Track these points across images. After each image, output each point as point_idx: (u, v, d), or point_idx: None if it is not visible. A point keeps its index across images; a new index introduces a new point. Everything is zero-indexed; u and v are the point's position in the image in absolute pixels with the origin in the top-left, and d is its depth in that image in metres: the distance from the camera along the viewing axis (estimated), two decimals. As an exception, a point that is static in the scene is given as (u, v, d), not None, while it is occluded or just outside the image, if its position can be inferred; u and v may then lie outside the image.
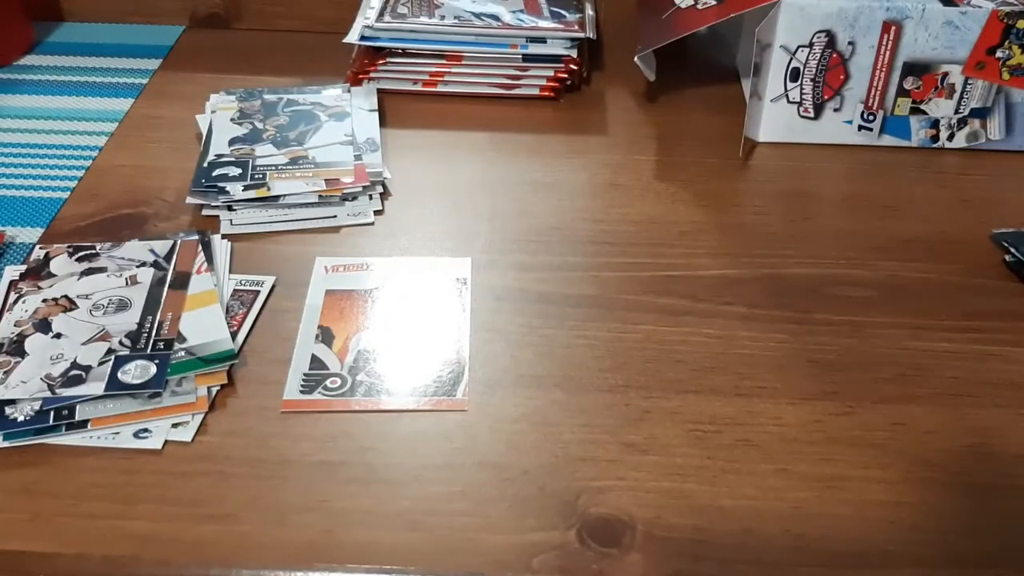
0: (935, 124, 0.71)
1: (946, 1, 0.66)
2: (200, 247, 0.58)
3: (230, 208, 0.62)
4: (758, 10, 0.67)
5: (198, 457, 0.46)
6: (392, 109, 0.74)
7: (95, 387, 0.47)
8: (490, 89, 0.77)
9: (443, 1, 0.79)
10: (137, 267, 0.56)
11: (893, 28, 0.67)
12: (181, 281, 0.55)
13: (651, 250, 0.60)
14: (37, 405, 0.47)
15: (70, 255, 0.57)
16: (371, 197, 0.64)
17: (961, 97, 0.69)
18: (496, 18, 0.77)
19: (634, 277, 0.58)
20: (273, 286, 0.56)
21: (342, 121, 0.70)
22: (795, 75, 0.69)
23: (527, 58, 0.76)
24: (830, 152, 0.71)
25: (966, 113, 0.70)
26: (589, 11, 0.80)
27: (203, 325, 0.51)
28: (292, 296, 0.56)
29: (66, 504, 0.44)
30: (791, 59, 0.69)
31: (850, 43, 0.68)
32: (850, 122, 0.71)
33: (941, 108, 0.70)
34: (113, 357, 0.49)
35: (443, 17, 0.77)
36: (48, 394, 0.47)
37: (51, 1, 0.88)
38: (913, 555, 0.42)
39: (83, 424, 0.46)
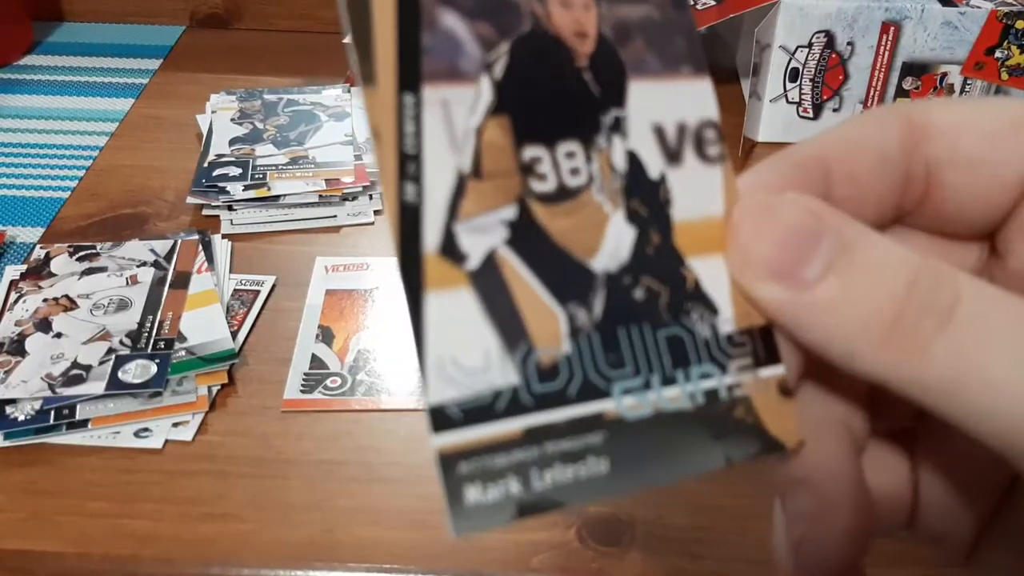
0: (934, 124, 0.71)
1: (945, 1, 0.66)
2: (200, 247, 0.58)
3: (230, 208, 0.62)
4: (757, 10, 0.67)
5: (198, 456, 0.46)
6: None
7: (96, 386, 0.47)
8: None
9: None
10: (137, 267, 0.56)
11: (892, 28, 0.67)
12: (181, 281, 0.55)
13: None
14: (38, 404, 0.47)
15: (70, 255, 0.57)
16: (371, 197, 0.64)
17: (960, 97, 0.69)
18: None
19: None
20: (273, 286, 0.56)
21: (342, 121, 0.70)
22: (794, 75, 0.69)
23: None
24: (829, 152, 0.71)
25: (965, 113, 0.70)
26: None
27: (203, 325, 0.52)
28: (292, 296, 0.56)
29: (67, 503, 0.44)
30: (790, 59, 0.69)
31: (849, 43, 0.68)
32: (849, 122, 0.71)
33: (940, 108, 0.70)
34: (114, 356, 0.49)
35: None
36: (49, 393, 0.47)
37: (51, 1, 0.88)
38: (913, 554, 0.42)
39: (84, 423, 0.47)
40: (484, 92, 0.18)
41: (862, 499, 0.20)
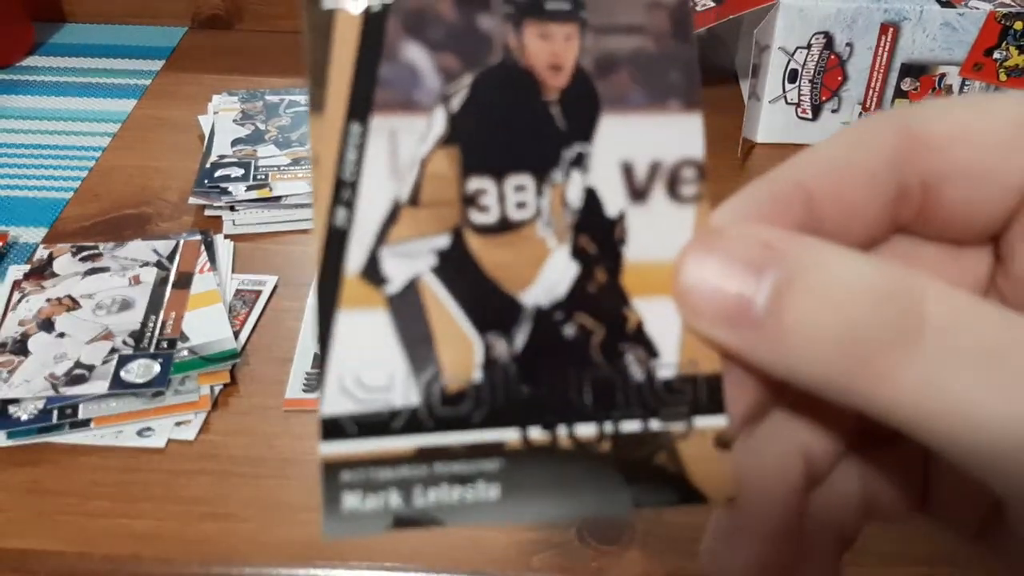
0: (933, 125, 0.71)
1: (944, 3, 0.67)
2: (203, 247, 0.58)
3: (232, 208, 0.62)
4: (757, 12, 0.67)
5: (201, 456, 0.46)
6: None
7: (98, 386, 0.47)
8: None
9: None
10: (140, 267, 0.56)
11: (891, 29, 0.67)
12: (184, 281, 0.55)
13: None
14: (40, 404, 0.47)
15: (73, 255, 0.58)
16: (372, 198, 0.64)
17: (959, 98, 0.70)
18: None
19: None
20: (275, 286, 0.57)
21: (343, 122, 0.70)
22: (793, 76, 0.70)
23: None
24: (829, 153, 0.71)
25: (964, 114, 0.70)
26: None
27: (206, 324, 0.52)
28: (294, 296, 0.56)
29: (69, 502, 0.44)
30: (789, 60, 0.69)
31: (848, 44, 0.68)
32: (848, 123, 0.71)
33: (939, 109, 0.70)
34: (116, 356, 0.49)
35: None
36: (51, 393, 0.47)
37: (53, 2, 0.89)
38: (909, 553, 0.42)
39: (86, 423, 0.47)
40: (437, 123, 0.18)
41: (787, 546, 0.20)
